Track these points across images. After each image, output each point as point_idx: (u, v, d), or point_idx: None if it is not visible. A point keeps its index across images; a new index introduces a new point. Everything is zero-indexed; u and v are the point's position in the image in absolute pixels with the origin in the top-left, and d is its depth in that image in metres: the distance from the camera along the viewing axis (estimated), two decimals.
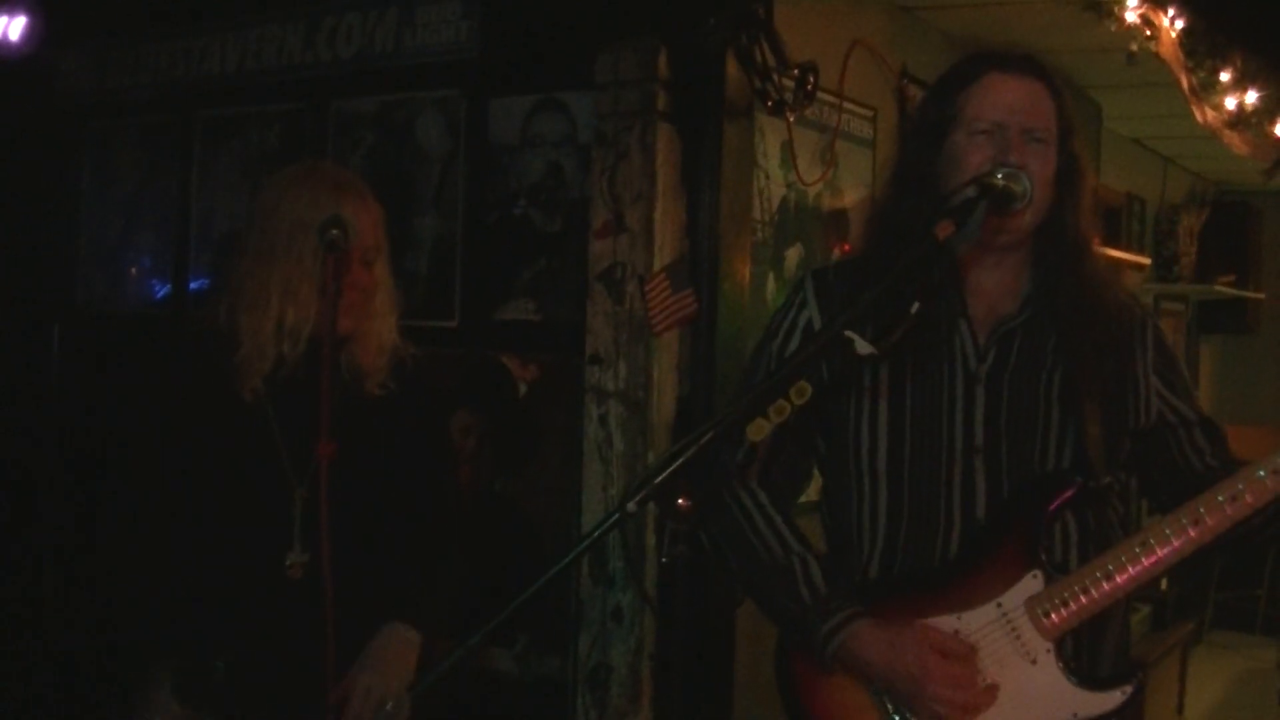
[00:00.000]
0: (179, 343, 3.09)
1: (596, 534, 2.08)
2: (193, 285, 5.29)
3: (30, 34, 5.24)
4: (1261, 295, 9.37)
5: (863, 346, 2.13)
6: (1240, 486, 2.29)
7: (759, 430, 2.09)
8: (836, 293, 2.55)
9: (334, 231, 2.70)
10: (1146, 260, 8.38)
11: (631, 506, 2.02)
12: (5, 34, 5.20)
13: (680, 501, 2.04)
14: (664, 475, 2.02)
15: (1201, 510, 2.30)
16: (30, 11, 5.24)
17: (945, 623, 2.38)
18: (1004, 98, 2.43)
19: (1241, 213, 9.29)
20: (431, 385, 3.09)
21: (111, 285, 5.58)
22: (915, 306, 2.17)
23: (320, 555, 2.72)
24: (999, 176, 2.27)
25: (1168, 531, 2.32)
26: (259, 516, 2.80)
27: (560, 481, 4.29)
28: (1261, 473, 2.29)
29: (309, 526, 2.78)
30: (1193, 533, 2.30)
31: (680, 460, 2.03)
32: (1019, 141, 2.40)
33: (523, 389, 4.41)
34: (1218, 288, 8.82)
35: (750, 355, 2.72)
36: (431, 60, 4.70)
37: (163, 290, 5.42)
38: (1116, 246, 7.51)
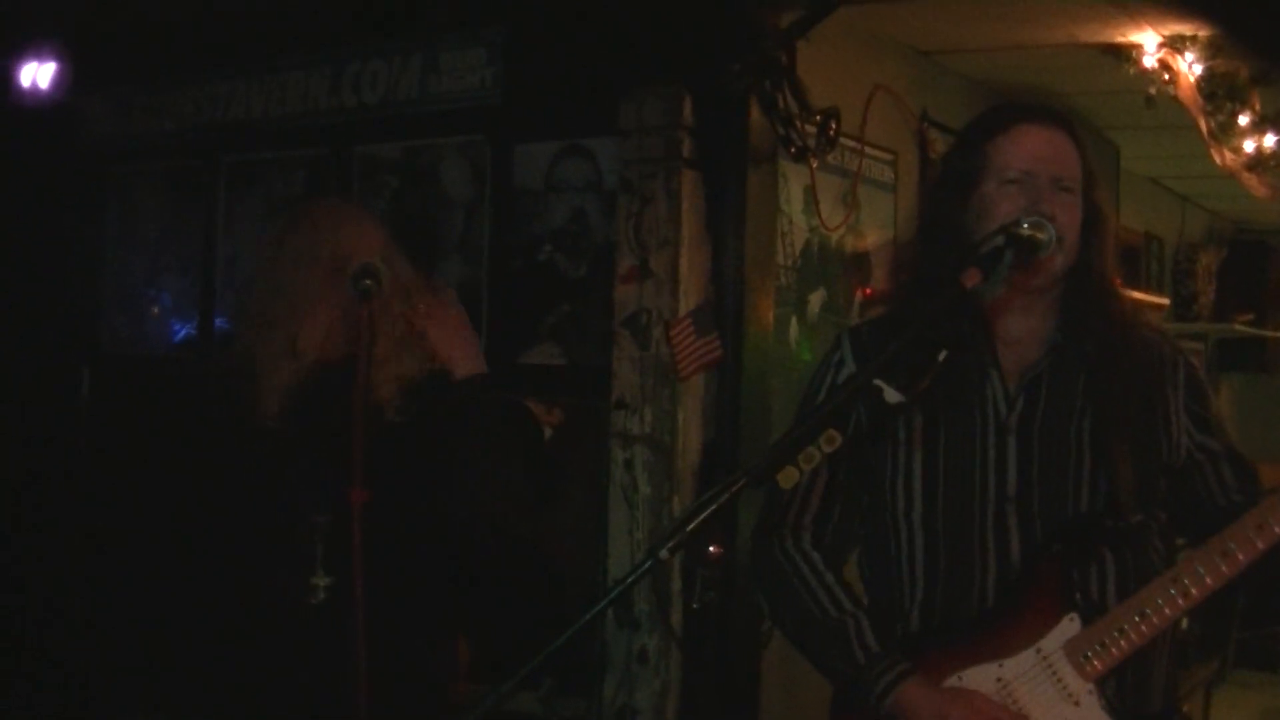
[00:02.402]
0: (201, 381, 3.12)
1: (630, 581, 2.05)
2: (218, 327, 5.32)
3: (59, 81, 5.28)
4: None
5: (891, 395, 2.13)
6: (1267, 517, 2.28)
7: (789, 478, 2.08)
8: (873, 348, 2.56)
9: (367, 281, 2.73)
10: (1165, 300, 8.37)
11: (664, 554, 2.00)
12: (35, 81, 5.24)
13: (711, 549, 2.04)
14: (696, 522, 2.02)
15: (1231, 544, 2.29)
16: (59, 58, 5.28)
17: (988, 670, 2.38)
18: (1033, 148, 2.45)
19: (1260, 252, 9.28)
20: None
21: (138, 328, 5.62)
22: (943, 354, 2.17)
23: (352, 585, 2.72)
24: (1025, 226, 2.27)
25: (1199, 568, 2.31)
26: (280, 543, 2.81)
27: (584, 525, 4.30)
28: None
29: (333, 552, 2.78)
30: (1224, 567, 2.29)
31: (712, 507, 2.02)
32: (1049, 191, 2.41)
33: (547, 434, 4.42)
34: (1236, 326, 8.80)
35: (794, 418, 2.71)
36: (456, 106, 4.73)
37: (183, 331, 5.44)
38: (1135, 286, 7.51)
